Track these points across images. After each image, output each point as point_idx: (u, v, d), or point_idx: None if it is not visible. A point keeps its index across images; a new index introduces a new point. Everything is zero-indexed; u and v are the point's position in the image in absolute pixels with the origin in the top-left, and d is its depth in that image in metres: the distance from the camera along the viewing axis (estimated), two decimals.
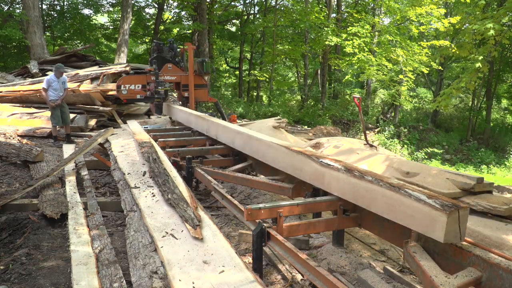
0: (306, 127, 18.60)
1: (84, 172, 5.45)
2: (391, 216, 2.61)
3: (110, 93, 10.57)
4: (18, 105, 10.40)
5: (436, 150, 18.29)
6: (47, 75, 12.11)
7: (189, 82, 9.17)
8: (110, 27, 26.17)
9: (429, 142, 19.34)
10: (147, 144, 5.26)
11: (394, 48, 17.89)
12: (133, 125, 7.12)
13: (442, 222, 2.23)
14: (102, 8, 25.05)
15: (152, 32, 23.99)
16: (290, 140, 10.14)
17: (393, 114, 23.15)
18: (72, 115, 8.88)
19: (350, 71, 21.72)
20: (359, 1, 23.30)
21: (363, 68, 18.14)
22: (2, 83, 11.86)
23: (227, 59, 29.07)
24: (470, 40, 7.35)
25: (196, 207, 3.37)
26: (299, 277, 3.06)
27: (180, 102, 9.91)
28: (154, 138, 6.09)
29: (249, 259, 3.27)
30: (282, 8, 22.54)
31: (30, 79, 11.74)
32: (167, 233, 2.93)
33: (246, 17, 25.28)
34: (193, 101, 9.16)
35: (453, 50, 8.72)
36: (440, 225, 2.25)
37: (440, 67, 19.93)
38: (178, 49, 9.77)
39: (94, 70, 11.63)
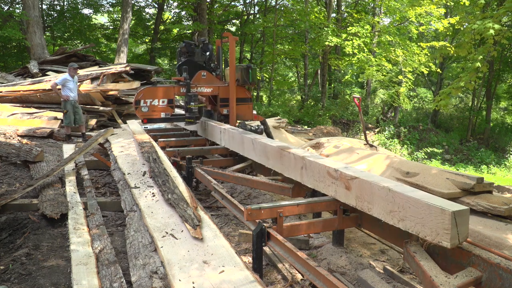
0: (306, 127, 18.60)
1: (84, 172, 5.45)
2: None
3: (110, 93, 10.57)
4: (18, 105, 10.39)
5: (436, 150, 18.29)
6: (47, 75, 12.14)
7: (230, 95, 6.76)
8: (110, 27, 26.17)
9: (429, 142, 19.33)
10: (147, 144, 5.26)
11: (393, 48, 17.89)
12: (133, 125, 7.13)
13: None
14: (102, 8, 25.05)
15: (152, 32, 23.98)
16: (291, 140, 10.15)
17: (393, 114, 23.15)
18: None
19: (350, 71, 21.73)
20: (359, 1, 23.30)
21: (363, 68, 18.14)
22: (2, 83, 11.86)
23: (227, 59, 29.05)
24: (469, 40, 7.35)
25: (196, 207, 3.37)
26: (299, 277, 3.06)
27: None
28: (154, 138, 6.10)
29: (249, 259, 3.27)
30: (282, 8, 22.53)
31: (30, 79, 11.74)
32: (167, 233, 2.93)
33: (246, 17, 25.27)
34: (234, 119, 6.79)
35: (452, 50, 8.74)
36: None
37: (439, 69, 19.95)
38: (214, 51, 7.40)
39: (94, 70, 11.64)
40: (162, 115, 6.34)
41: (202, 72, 6.70)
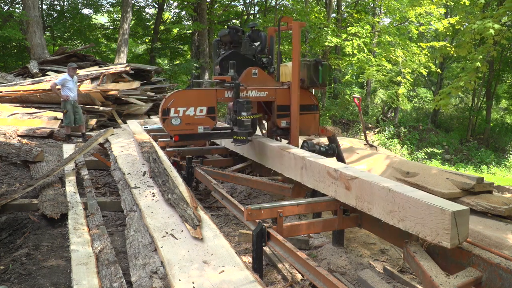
0: None
1: (84, 172, 5.45)
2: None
3: (110, 93, 10.57)
4: (18, 105, 10.39)
5: (436, 150, 18.29)
6: (47, 75, 12.14)
7: (291, 101, 4.89)
8: (110, 27, 26.16)
9: (429, 142, 19.33)
10: (147, 144, 5.26)
11: (393, 48, 17.89)
12: (133, 125, 7.13)
13: None
14: (102, 8, 25.05)
15: (152, 32, 23.98)
16: None
17: (393, 114, 23.15)
18: None
19: (350, 71, 21.72)
20: (359, 1, 23.30)
21: (363, 68, 18.14)
22: (2, 83, 11.86)
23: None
24: (469, 40, 7.34)
25: (196, 207, 3.37)
26: (299, 277, 3.06)
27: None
28: (154, 138, 6.10)
29: (249, 259, 3.27)
30: (282, 8, 22.53)
31: (30, 79, 11.74)
32: (167, 233, 2.93)
33: (246, 17, 25.26)
34: (297, 134, 4.93)
35: (453, 50, 8.74)
36: None
37: (438, 70, 19.94)
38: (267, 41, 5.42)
39: (94, 70, 11.64)
40: (200, 129, 4.50)
41: (253, 70, 4.86)
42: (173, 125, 4.38)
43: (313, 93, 5.35)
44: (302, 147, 4.83)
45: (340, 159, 5.22)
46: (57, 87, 8.14)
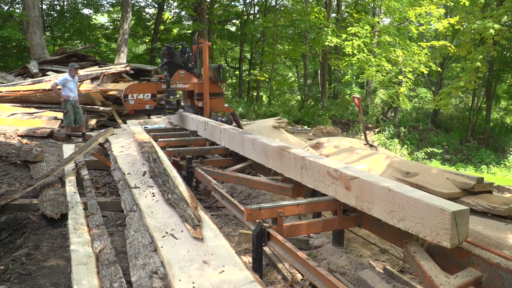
0: (306, 127, 18.61)
1: (84, 172, 5.45)
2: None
3: (110, 93, 10.57)
4: (18, 105, 10.40)
5: (436, 150, 18.29)
6: (47, 75, 12.14)
7: (204, 90, 8.08)
8: (110, 27, 26.18)
9: (429, 142, 19.33)
10: (147, 144, 5.26)
11: (393, 49, 17.89)
12: (133, 125, 7.13)
13: None
14: (102, 8, 25.06)
15: (152, 32, 23.99)
16: (291, 140, 10.15)
17: (393, 114, 23.15)
18: None
19: (350, 71, 21.73)
20: (359, 1, 23.30)
21: (363, 68, 18.15)
22: (2, 83, 11.86)
23: (227, 59, 29.07)
24: (469, 39, 7.35)
25: (196, 207, 3.37)
26: (299, 277, 3.06)
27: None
28: (154, 138, 6.09)
29: (249, 259, 3.27)
30: (282, 8, 22.54)
31: (30, 79, 11.75)
32: (167, 233, 2.93)
33: (246, 17, 25.27)
34: (208, 111, 8.08)
35: (453, 49, 8.74)
36: None
37: (439, 69, 19.94)
38: (191, 54, 8.78)
39: (94, 70, 11.64)
40: (147, 107, 7.48)
41: (180, 71, 7.94)
42: (130, 104, 7.29)
43: (220, 86, 8.36)
44: (209, 117, 7.70)
45: (239, 127, 8.48)
46: (58, 87, 8.14)
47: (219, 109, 8.44)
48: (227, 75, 9.39)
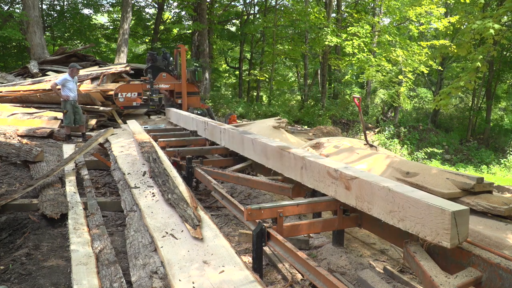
0: (306, 127, 18.60)
1: (84, 172, 5.45)
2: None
3: (110, 93, 10.57)
4: (18, 105, 10.39)
5: (436, 150, 18.29)
6: (47, 75, 12.14)
7: (182, 89, 9.86)
8: (110, 27, 26.17)
9: (429, 142, 19.33)
10: (147, 144, 5.26)
11: (393, 48, 17.88)
12: (133, 125, 7.13)
13: None
14: (102, 8, 25.05)
15: (152, 32, 23.98)
16: (291, 140, 10.15)
17: (393, 114, 23.15)
18: None
19: (350, 71, 21.72)
20: (359, 1, 23.29)
21: (363, 68, 18.14)
22: (2, 83, 11.86)
23: (227, 59, 29.06)
24: (469, 39, 7.34)
25: (196, 207, 3.37)
26: (299, 277, 3.06)
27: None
28: (154, 138, 6.10)
29: (249, 259, 3.27)
30: (282, 8, 22.53)
31: (30, 79, 11.74)
32: (167, 233, 2.93)
33: (246, 17, 25.26)
34: (185, 107, 9.72)
35: (452, 49, 8.74)
36: None
37: (440, 67, 19.92)
38: (172, 58, 10.43)
39: (94, 70, 11.64)
40: (134, 103, 9.56)
41: (162, 74, 9.79)
42: (120, 101, 9.46)
43: (197, 86, 10.27)
44: (188, 111, 9.10)
45: (211, 118, 9.53)
46: (58, 87, 8.14)
47: (195, 105, 10.15)
48: (202, 77, 12.75)
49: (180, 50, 9.91)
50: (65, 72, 11.77)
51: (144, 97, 9.70)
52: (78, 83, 8.88)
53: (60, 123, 8.82)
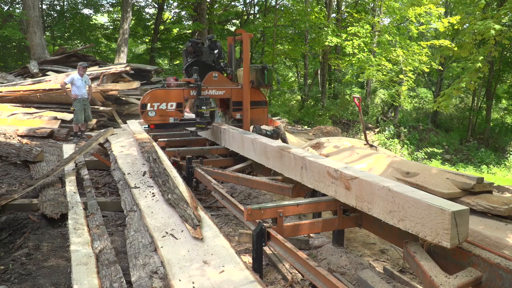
0: (306, 127, 18.61)
1: (84, 172, 5.45)
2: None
3: (110, 93, 10.57)
4: (18, 105, 10.39)
5: (436, 150, 18.29)
6: (47, 75, 12.14)
7: (243, 98, 6.20)
8: (110, 27, 26.17)
9: (429, 142, 19.34)
10: (147, 144, 5.26)
11: (393, 48, 17.89)
12: (133, 125, 7.13)
13: None
14: (102, 8, 25.07)
15: (152, 32, 23.98)
16: (291, 140, 10.15)
17: (393, 114, 23.15)
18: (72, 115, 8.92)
19: (350, 71, 21.73)
20: (359, 1, 23.30)
21: (363, 68, 18.15)
22: (2, 83, 11.86)
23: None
24: (470, 40, 7.34)
25: (196, 207, 3.37)
26: (299, 277, 3.06)
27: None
28: (154, 138, 6.10)
29: (249, 259, 3.27)
30: (282, 8, 22.53)
31: (30, 79, 11.74)
32: (167, 233, 2.93)
33: (246, 17, 25.26)
34: (248, 124, 6.27)
35: (454, 50, 8.74)
36: None
37: (440, 67, 19.93)
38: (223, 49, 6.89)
39: (94, 70, 11.64)
40: (171, 120, 5.80)
41: (213, 74, 6.11)
42: (150, 117, 5.70)
43: (263, 92, 6.56)
44: (252, 131, 6.09)
45: (285, 141, 6.78)
46: (66, 85, 8.29)
47: (261, 121, 6.51)
48: (274, 79, 7.03)
49: (242, 37, 6.23)
50: (65, 72, 11.81)
51: (185, 111, 6.50)
52: (88, 82, 8.71)
53: (60, 123, 8.85)
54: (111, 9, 25.50)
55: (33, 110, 9.88)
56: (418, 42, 18.36)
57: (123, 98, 11.04)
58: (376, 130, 20.35)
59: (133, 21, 22.78)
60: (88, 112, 8.55)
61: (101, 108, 10.23)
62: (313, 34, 21.43)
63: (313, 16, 19.29)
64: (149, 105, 5.67)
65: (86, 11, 24.34)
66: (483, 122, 22.90)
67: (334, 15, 21.92)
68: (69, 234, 3.46)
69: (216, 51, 6.49)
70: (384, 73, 18.06)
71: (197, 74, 5.83)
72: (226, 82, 6.30)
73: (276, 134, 6.62)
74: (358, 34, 18.01)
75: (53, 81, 10.68)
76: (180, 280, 2.31)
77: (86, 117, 8.51)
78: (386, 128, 19.74)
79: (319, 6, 21.10)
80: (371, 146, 7.09)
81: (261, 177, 4.49)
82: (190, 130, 6.44)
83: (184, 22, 24.64)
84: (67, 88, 8.33)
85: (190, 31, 22.20)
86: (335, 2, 22.76)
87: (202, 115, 5.73)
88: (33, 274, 3.07)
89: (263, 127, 6.76)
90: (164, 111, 5.73)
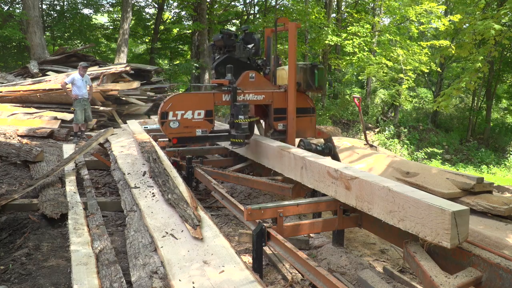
0: None
1: (84, 172, 5.45)
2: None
3: (110, 93, 10.57)
4: (18, 105, 10.39)
5: (436, 150, 18.29)
6: (47, 75, 12.14)
7: (288, 104, 4.95)
8: (110, 27, 26.16)
9: (429, 142, 19.34)
10: (147, 144, 5.26)
11: (394, 48, 17.89)
12: (133, 125, 7.13)
13: None
14: (102, 8, 25.06)
15: (152, 32, 23.98)
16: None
17: (393, 114, 23.15)
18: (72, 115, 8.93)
19: (350, 70, 21.73)
20: (359, 1, 23.30)
21: (363, 67, 18.15)
22: (2, 83, 11.85)
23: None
24: (470, 40, 7.34)
25: (196, 207, 3.37)
26: (299, 277, 3.06)
27: None
28: (154, 138, 6.10)
29: (249, 259, 3.27)
30: (282, 8, 22.53)
31: (30, 79, 11.74)
32: (167, 233, 2.93)
33: (246, 17, 25.26)
34: (293, 136, 5.03)
35: (454, 50, 8.75)
36: None
37: (439, 69, 19.95)
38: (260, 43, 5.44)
39: (94, 70, 11.63)
40: (198, 132, 4.57)
41: (250, 73, 4.86)
42: (172, 128, 4.47)
43: (309, 96, 5.38)
44: (299, 146, 4.87)
45: (336, 158, 5.35)
46: (67, 85, 8.30)
47: (309, 133, 5.27)
48: (327, 81, 5.69)
49: (286, 28, 5.04)
50: (65, 72, 11.81)
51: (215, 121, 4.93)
52: (88, 81, 8.67)
53: (60, 123, 8.86)
54: (111, 9, 25.50)
55: (33, 110, 9.88)
56: (418, 42, 18.36)
57: (123, 98, 11.03)
58: (376, 130, 20.35)
59: (133, 21, 22.77)
60: (88, 112, 8.55)
61: (101, 108, 10.23)
62: (313, 34, 21.41)
63: (313, 16, 19.29)
64: (171, 113, 4.42)
65: (86, 11, 24.35)
66: (483, 122, 22.90)
67: (334, 15, 21.93)
68: (69, 234, 3.46)
69: (251, 46, 5.23)
70: (385, 71, 18.06)
71: (231, 74, 4.64)
72: (266, 84, 5.01)
73: (328, 150, 5.25)
74: (358, 34, 18.01)
75: (53, 81, 10.68)
76: (180, 280, 2.31)
77: (86, 117, 8.52)
78: (386, 128, 19.74)
79: (319, 8, 21.11)
80: (371, 146, 7.10)
81: (261, 177, 4.49)
82: (232, 148, 5.03)
83: (184, 22, 24.64)
84: (68, 88, 8.34)
85: (190, 31, 22.21)
86: (335, 2, 22.76)
87: (239, 127, 4.49)
88: (33, 274, 3.07)
89: (313, 140, 5.69)
90: (190, 121, 4.51)
